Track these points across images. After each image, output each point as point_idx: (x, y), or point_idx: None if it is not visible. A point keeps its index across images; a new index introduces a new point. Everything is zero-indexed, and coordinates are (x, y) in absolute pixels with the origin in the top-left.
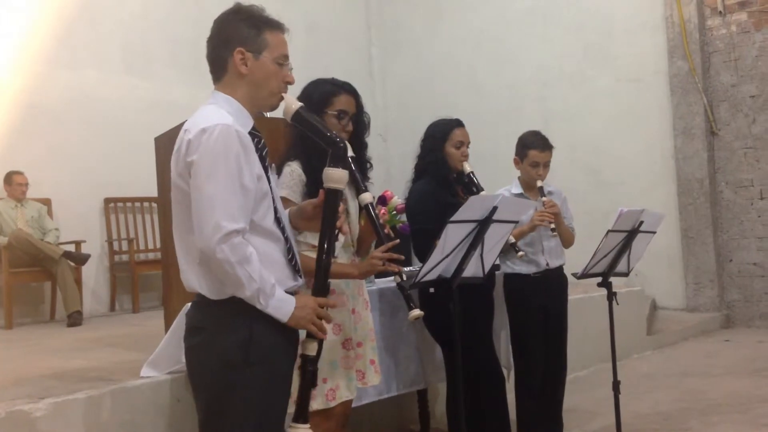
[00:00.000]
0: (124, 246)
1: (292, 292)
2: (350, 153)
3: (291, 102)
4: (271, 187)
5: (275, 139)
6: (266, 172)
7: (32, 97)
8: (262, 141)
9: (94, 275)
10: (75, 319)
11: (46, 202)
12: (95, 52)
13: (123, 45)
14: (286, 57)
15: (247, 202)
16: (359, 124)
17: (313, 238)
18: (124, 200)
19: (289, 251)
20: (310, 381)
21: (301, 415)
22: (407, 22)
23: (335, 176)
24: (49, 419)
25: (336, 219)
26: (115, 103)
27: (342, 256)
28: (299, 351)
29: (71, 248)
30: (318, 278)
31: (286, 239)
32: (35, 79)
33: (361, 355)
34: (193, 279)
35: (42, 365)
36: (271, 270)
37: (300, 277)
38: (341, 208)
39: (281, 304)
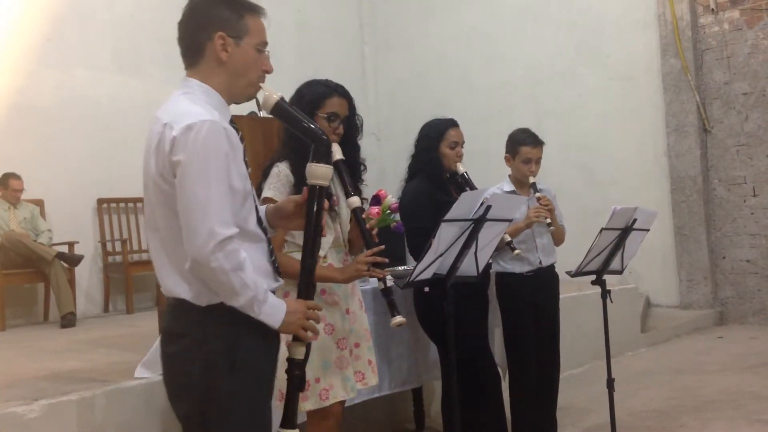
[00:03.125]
0: (118, 247)
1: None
2: (339, 156)
3: (270, 93)
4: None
5: (272, 139)
6: (246, 167)
7: (22, 97)
8: (240, 134)
9: (88, 276)
10: (68, 321)
11: (39, 203)
12: (85, 52)
13: (113, 44)
14: (265, 44)
15: (236, 205)
16: (351, 127)
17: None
18: (117, 201)
19: (271, 253)
20: (297, 385)
21: (289, 421)
22: (399, 21)
23: (319, 172)
24: (42, 421)
25: (321, 217)
26: (106, 102)
27: (332, 257)
28: (287, 354)
29: (64, 249)
30: (303, 280)
31: (268, 240)
32: (25, 78)
33: (359, 356)
34: (174, 284)
35: (36, 366)
36: (256, 273)
37: (280, 277)
38: (326, 205)
39: (273, 311)
